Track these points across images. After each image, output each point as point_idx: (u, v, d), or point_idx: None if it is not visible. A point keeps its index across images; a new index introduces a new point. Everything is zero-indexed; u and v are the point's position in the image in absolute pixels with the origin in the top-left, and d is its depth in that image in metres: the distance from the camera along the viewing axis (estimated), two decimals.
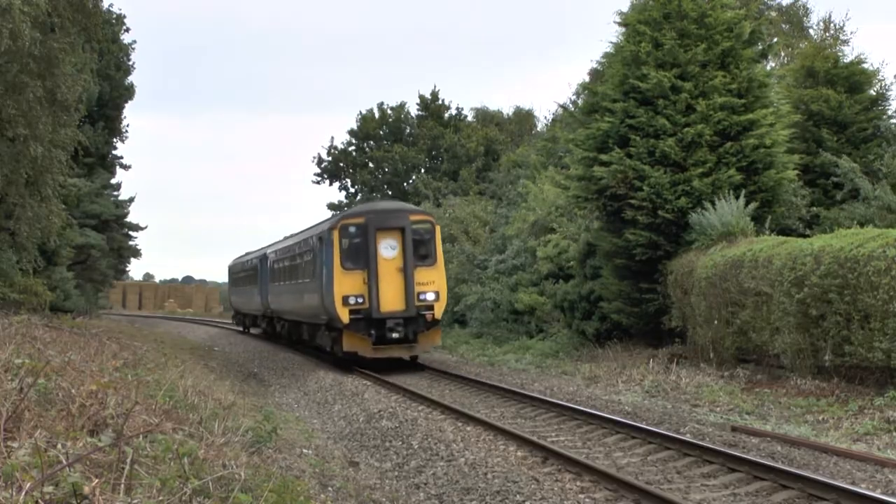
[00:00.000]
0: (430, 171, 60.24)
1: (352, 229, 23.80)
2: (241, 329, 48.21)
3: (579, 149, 25.20)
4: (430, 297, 23.58)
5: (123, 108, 48.57)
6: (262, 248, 40.50)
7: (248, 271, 43.17)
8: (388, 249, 23.41)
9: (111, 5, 44.13)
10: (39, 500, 4.76)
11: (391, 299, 23.17)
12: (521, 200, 39.13)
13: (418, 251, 23.80)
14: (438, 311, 23.81)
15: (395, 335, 23.16)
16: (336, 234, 23.73)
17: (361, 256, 23.42)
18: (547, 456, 12.27)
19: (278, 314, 34.92)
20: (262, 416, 12.22)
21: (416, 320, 23.41)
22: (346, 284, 23.28)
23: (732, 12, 24.05)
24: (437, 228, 24.62)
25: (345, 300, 23.16)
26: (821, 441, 12.88)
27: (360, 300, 23.16)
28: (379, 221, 23.62)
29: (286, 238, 35.34)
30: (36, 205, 26.29)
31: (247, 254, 46.08)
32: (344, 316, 23.16)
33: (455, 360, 28.17)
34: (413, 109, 63.62)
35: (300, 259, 29.06)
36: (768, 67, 28.54)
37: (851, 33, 50.81)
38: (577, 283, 27.96)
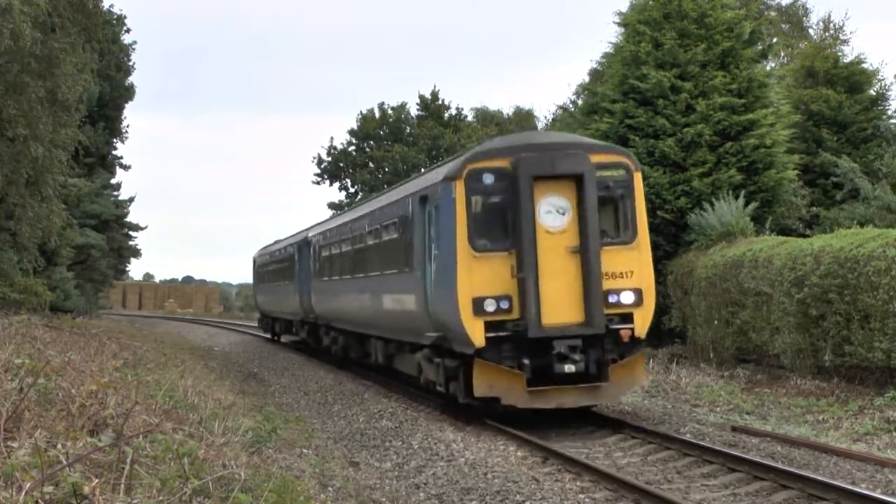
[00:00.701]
0: None
1: (487, 179, 14.27)
2: (269, 336, 39.74)
3: None
4: (628, 298, 14.21)
5: (124, 108, 48.65)
6: (301, 232, 31.57)
7: (280, 263, 34.18)
8: (553, 215, 14.16)
9: (112, 6, 44.12)
10: (39, 500, 4.76)
11: (560, 304, 13.92)
12: None
13: (607, 218, 14.58)
14: (641, 324, 14.27)
15: (567, 367, 13.68)
16: (460, 189, 14.17)
17: (505, 228, 14.20)
18: (547, 456, 12.27)
19: (328, 321, 25.77)
20: (262, 416, 12.23)
21: (602, 341, 14.06)
22: (480, 278, 13.96)
23: (732, 12, 24.10)
24: (639, 177, 14.82)
25: (477, 305, 13.87)
26: (821, 441, 12.88)
27: (503, 305, 13.92)
28: (538, 164, 14.05)
29: (342, 213, 26.48)
30: (36, 205, 26.32)
31: (276, 242, 37.76)
32: (475, 333, 13.79)
33: None
34: (413, 109, 63.67)
35: (375, 238, 19.53)
36: (768, 67, 28.59)
37: (851, 33, 50.91)
38: None
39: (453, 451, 12.81)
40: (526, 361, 13.86)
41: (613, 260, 14.23)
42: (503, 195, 14.25)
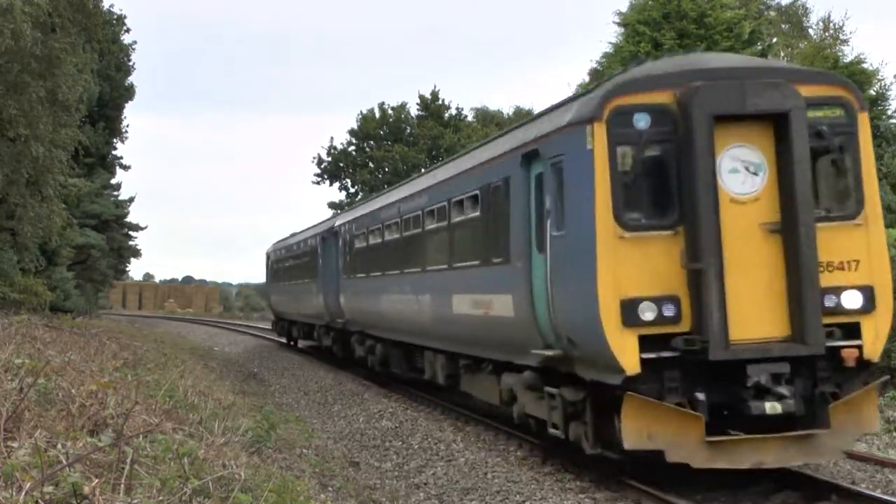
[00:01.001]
0: None
1: (641, 122, 9.71)
2: (284, 341, 35.84)
3: None
4: (853, 301, 9.75)
5: (123, 108, 48.68)
6: (325, 221, 28.10)
7: (299, 258, 30.01)
8: (741, 175, 9.74)
9: (111, 6, 44.13)
10: (39, 500, 4.77)
11: (755, 310, 9.59)
12: None
13: (819, 180, 10.09)
14: (873, 340, 9.76)
15: (769, 406, 9.32)
16: (600, 136, 9.70)
17: (669, 194, 9.79)
18: (547, 456, 12.27)
19: (362, 327, 21.67)
20: (262, 416, 12.23)
21: (815, 366, 9.65)
22: (631, 270, 9.56)
23: (732, 12, 24.14)
24: (865, 120, 10.16)
25: (628, 311, 9.46)
26: None
27: (668, 311, 9.50)
28: (720, 98, 9.60)
29: (383, 193, 23.07)
30: (37, 205, 26.37)
31: (294, 234, 33.80)
32: (626, 353, 9.39)
33: None
34: (413, 109, 63.68)
35: (440, 220, 15.22)
36: None
37: (851, 33, 50.86)
38: None
39: (453, 451, 12.82)
40: (701, 397, 9.41)
41: (831, 243, 9.69)
42: (665, 145, 9.75)
